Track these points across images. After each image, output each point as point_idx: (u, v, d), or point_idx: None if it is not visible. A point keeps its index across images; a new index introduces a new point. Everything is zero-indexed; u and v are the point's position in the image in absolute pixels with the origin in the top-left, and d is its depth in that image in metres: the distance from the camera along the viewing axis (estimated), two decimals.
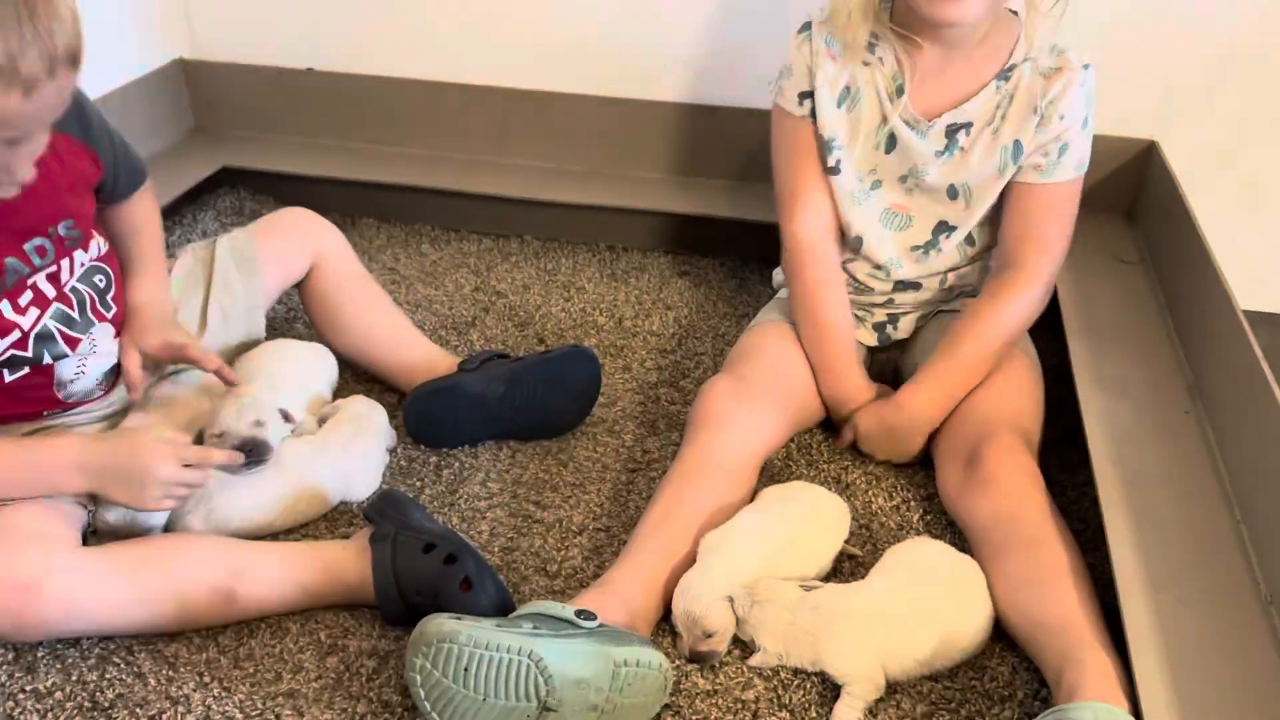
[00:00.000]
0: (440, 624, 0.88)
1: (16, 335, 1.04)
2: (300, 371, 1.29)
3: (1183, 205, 1.42)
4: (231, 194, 1.84)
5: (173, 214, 1.73)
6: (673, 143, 1.79)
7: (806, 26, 1.30)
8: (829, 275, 1.32)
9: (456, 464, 1.28)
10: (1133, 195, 1.62)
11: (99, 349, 1.12)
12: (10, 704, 0.96)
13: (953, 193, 1.28)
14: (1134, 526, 1.02)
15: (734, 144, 1.75)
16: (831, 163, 1.29)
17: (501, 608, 1.01)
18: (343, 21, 1.80)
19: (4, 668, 0.99)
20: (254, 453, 1.13)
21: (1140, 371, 1.26)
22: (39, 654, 1.00)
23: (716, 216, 1.72)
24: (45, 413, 1.12)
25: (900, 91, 1.25)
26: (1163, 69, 1.56)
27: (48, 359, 1.07)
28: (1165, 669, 0.89)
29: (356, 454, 1.22)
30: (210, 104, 1.89)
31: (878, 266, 1.33)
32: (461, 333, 1.55)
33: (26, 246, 1.04)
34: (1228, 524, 1.04)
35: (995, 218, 1.30)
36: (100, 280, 1.13)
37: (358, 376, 1.40)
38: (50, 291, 1.07)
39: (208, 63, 1.86)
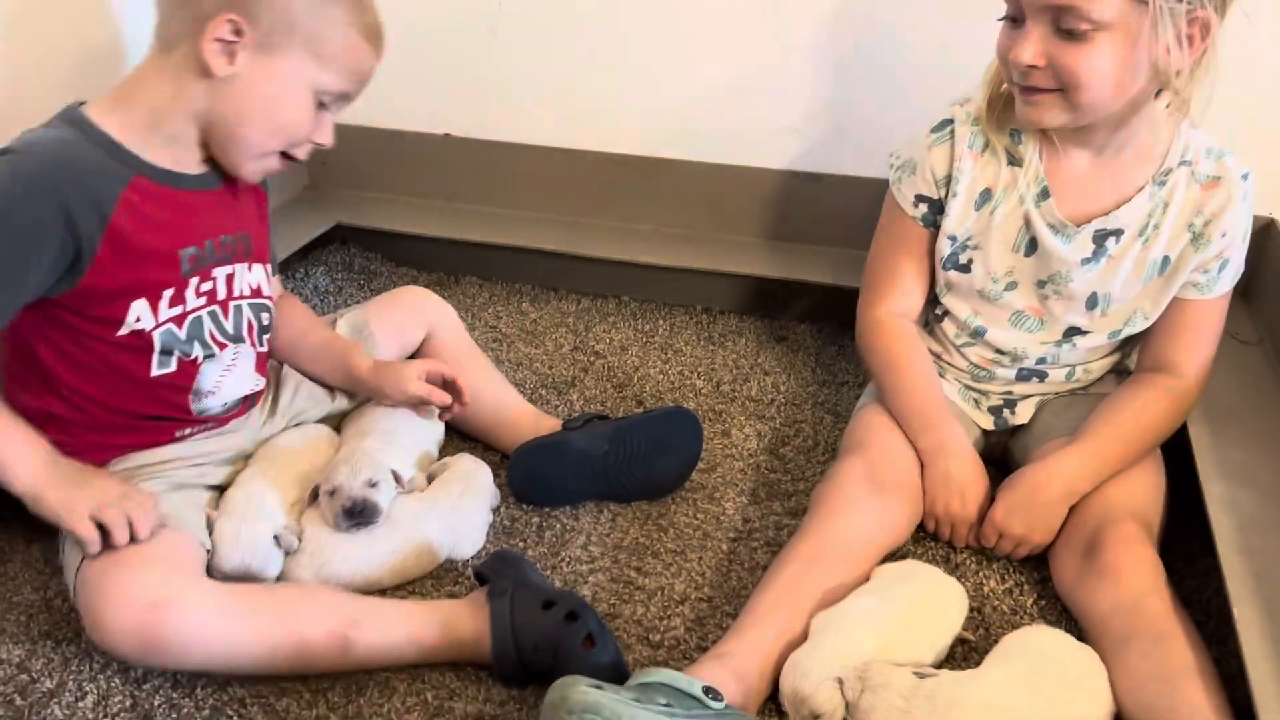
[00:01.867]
0: (584, 692, 0.86)
1: (180, 310, 1.10)
2: (410, 429, 1.32)
3: None
4: (342, 250, 1.89)
5: (286, 269, 1.78)
6: (774, 208, 1.79)
7: (946, 124, 1.24)
8: (910, 339, 1.30)
9: (558, 525, 1.29)
10: (1249, 273, 1.57)
11: (239, 368, 1.18)
12: None
13: (1092, 302, 1.23)
14: (1266, 623, 0.98)
15: (836, 211, 1.75)
16: (963, 261, 1.27)
17: (618, 668, 1.02)
18: (449, 88, 1.85)
19: (122, 715, 1.01)
20: (363, 514, 1.15)
21: (1263, 457, 1.22)
22: (156, 702, 1.03)
23: (815, 282, 1.72)
24: (177, 433, 1.16)
25: (1045, 194, 1.20)
26: None
27: (197, 352, 1.12)
28: None
29: (465, 512, 1.23)
30: (323, 164, 1.96)
31: (1000, 352, 1.30)
32: (562, 393, 1.57)
33: (223, 238, 1.13)
34: None
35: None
36: (265, 317, 1.21)
37: (460, 435, 1.42)
38: (222, 292, 1.14)
39: None
